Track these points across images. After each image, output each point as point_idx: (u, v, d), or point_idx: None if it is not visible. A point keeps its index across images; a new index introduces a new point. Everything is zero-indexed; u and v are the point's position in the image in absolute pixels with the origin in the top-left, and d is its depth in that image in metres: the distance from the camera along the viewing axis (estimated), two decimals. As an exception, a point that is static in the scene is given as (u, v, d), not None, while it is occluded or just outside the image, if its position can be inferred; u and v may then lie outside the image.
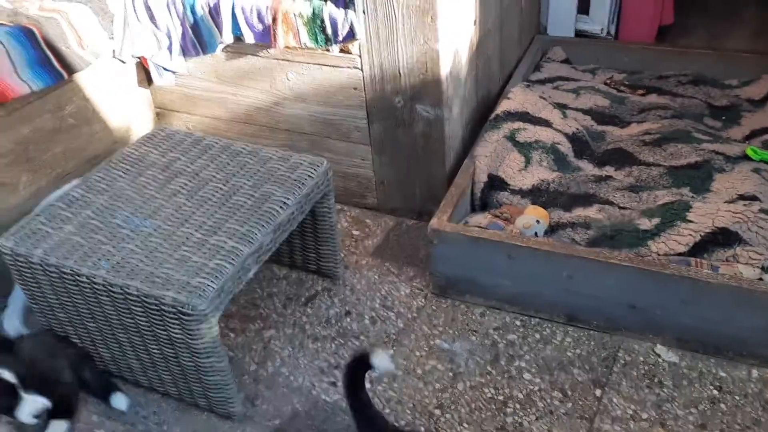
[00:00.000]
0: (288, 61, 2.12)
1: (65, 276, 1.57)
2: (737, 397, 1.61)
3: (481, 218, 1.94)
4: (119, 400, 1.70)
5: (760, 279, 1.60)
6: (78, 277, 1.55)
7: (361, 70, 2.02)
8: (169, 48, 2.22)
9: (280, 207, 1.68)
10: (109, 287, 1.52)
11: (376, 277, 2.08)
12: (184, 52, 2.24)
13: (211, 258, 1.54)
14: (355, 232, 2.26)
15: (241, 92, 2.28)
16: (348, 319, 1.94)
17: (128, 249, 1.58)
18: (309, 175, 1.78)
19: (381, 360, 1.35)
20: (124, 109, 2.35)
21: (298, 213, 1.73)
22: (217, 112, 2.37)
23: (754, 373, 1.66)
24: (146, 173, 1.84)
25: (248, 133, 2.34)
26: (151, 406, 1.73)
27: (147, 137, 1.98)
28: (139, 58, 2.29)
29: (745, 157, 2.02)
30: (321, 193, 1.82)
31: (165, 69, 2.29)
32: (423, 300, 1.98)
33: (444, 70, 1.94)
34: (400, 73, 1.97)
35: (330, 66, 2.07)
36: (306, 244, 2.00)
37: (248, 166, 1.83)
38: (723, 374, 1.67)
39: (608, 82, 2.56)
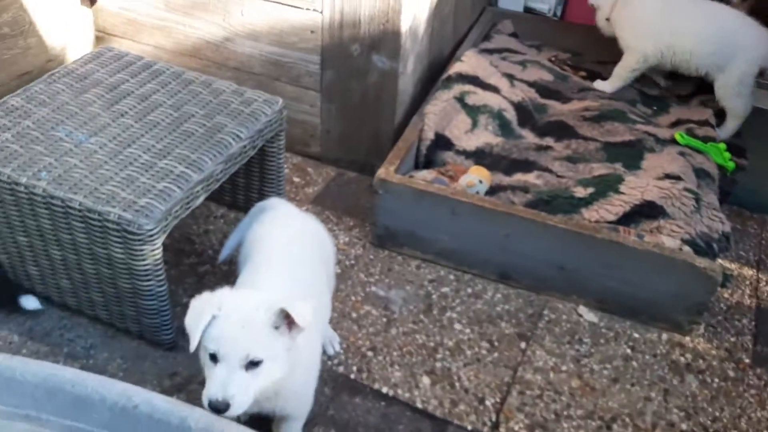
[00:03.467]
0: (246, -5, 2.09)
1: (1, 184, 1.50)
2: (647, 357, 1.74)
3: (426, 174, 1.99)
4: (29, 301, 1.65)
5: (680, 249, 1.73)
6: (16, 186, 1.48)
7: (321, 13, 2.01)
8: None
9: (233, 139, 1.66)
10: (49, 199, 1.46)
11: (315, 223, 2.09)
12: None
13: (159, 180, 1.50)
14: (296, 179, 2.26)
15: (191, 23, 2.21)
16: (286, 261, 1.95)
17: (71, 163, 1.52)
18: (263, 112, 1.76)
19: None
20: (63, 28, 2.23)
21: (250, 148, 1.72)
22: (162, 41, 2.30)
23: (664, 336, 1.80)
24: (91, 91, 1.77)
25: (194, 68, 2.28)
26: (78, 329, 1.69)
27: (93, 55, 1.91)
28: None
29: (673, 141, 2.15)
30: (273, 132, 1.81)
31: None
32: (361, 249, 2.02)
33: (405, 23, 1.96)
34: (360, 20, 1.98)
35: (288, 5, 2.04)
36: (250, 184, 1.98)
37: (200, 96, 1.80)
38: (637, 335, 1.80)
39: (552, 59, 2.66)
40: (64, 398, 1.08)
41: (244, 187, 2.00)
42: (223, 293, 1.20)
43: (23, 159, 1.52)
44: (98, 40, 2.39)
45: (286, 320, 1.17)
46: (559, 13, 3.01)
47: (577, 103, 2.37)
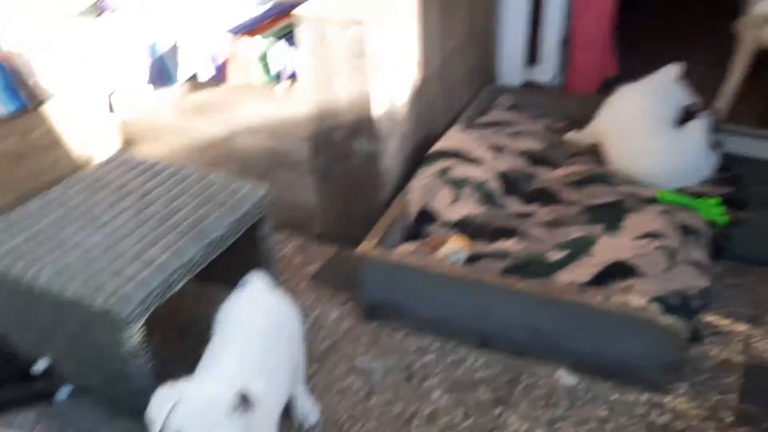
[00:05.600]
0: (242, 95, 2.32)
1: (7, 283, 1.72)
2: (623, 419, 1.73)
3: (408, 246, 2.09)
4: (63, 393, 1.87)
5: (645, 308, 1.74)
6: (20, 284, 1.70)
7: (305, 106, 2.20)
8: (137, 80, 2.43)
9: (216, 226, 1.84)
10: (47, 292, 1.67)
11: (310, 301, 2.22)
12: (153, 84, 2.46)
13: (143, 269, 1.69)
14: (296, 260, 2.40)
15: (200, 125, 2.46)
16: (280, 337, 2.08)
17: (72, 257, 1.73)
18: (247, 199, 1.94)
19: None
20: (89, 139, 2.54)
21: (232, 233, 1.89)
22: (179, 142, 2.55)
23: (644, 396, 1.78)
24: (100, 193, 2.00)
25: (206, 163, 2.52)
26: (83, 410, 1.85)
27: (107, 161, 2.16)
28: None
29: (655, 201, 2.18)
30: (257, 217, 1.98)
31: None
32: (352, 322, 2.12)
33: (379, 109, 2.12)
34: (339, 110, 2.15)
35: (278, 101, 2.25)
36: (249, 267, 2.14)
37: (193, 190, 2.00)
38: (615, 396, 1.80)
39: (549, 125, 2.74)
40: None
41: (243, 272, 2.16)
42: (183, 385, 1.33)
43: (32, 257, 1.74)
44: (125, 143, 2.68)
45: (243, 401, 1.29)
46: (563, 82, 3.11)
47: (563, 169, 2.43)
